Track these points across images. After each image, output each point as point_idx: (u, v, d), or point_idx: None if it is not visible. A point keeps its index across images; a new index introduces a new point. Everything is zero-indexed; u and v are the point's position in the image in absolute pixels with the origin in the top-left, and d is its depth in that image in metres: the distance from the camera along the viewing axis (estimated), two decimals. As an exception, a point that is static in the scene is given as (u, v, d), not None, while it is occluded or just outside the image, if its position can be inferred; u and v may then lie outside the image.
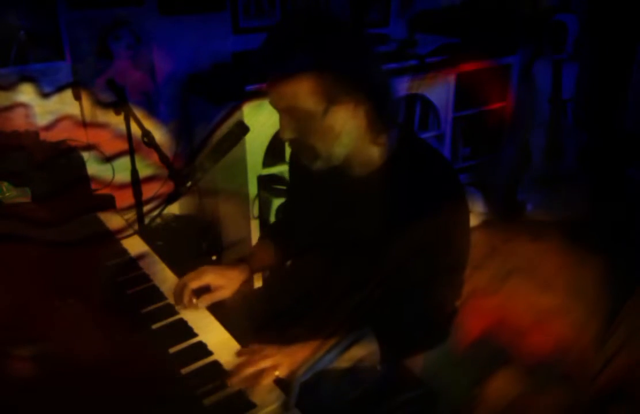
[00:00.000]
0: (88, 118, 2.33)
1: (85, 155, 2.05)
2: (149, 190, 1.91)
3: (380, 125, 1.14)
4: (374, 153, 1.18)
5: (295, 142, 1.15)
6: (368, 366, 1.15)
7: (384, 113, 1.14)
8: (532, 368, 1.78)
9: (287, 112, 1.10)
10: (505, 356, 2.00)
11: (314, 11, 1.14)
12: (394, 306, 1.16)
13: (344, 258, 1.24)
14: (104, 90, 2.29)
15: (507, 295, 2.28)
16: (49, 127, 2.27)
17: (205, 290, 1.30)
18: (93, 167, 2.12)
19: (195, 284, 1.27)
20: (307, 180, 1.32)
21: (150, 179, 1.97)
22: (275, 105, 1.12)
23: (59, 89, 2.27)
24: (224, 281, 1.32)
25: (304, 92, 1.05)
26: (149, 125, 1.81)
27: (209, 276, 1.30)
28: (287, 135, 1.13)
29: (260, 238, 1.57)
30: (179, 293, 1.27)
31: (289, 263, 1.56)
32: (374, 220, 1.15)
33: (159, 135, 2.48)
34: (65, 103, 2.31)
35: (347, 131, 1.11)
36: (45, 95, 2.25)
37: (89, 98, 2.32)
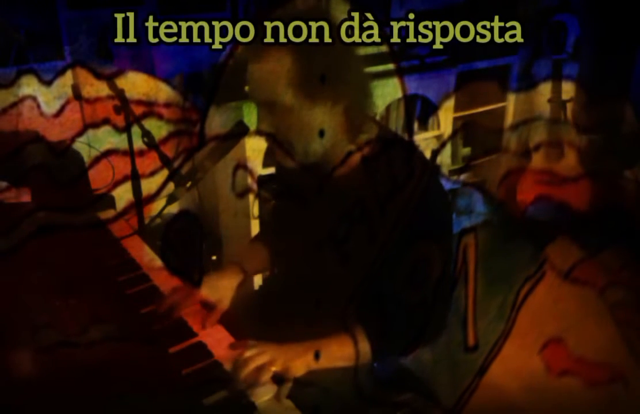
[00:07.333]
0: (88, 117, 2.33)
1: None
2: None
3: (359, 124, 1.15)
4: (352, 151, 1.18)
5: (271, 137, 1.15)
6: (360, 365, 1.15)
7: (362, 112, 1.15)
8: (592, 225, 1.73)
9: (265, 105, 1.12)
10: (563, 219, 1.96)
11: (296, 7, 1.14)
12: (379, 301, 1.16)
13: (322, 256, 1.23)
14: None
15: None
16: (57, 113, 2.26)
17: None
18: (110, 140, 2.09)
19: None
20: (286, 178, 1.33)
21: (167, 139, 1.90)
22: (254, 97, 1.13)
23: (59, 73, 2.26)
24: (218, 296, 1.27)
25: (282, 86, 1.06)
26: (152, 85, 1.76)
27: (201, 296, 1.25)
28: (265, 128, 1.13)
29: (253, 240, 1.55)
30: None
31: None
32: (351, 218, 1.16)
33: (166, 92, 2.49)
34: (66, 86, 2.30)
35: (325, 128, 1.12)
36: (47, 83, 2.24)
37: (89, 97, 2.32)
